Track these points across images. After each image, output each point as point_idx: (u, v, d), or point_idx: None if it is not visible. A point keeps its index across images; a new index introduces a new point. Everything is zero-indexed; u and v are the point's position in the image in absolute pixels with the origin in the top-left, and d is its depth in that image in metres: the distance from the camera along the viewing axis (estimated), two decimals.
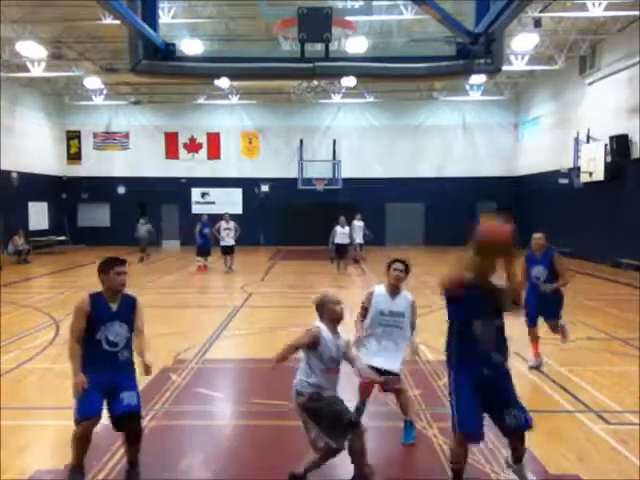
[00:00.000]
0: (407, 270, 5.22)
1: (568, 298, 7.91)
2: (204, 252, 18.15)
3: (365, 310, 5.15)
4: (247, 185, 27.59)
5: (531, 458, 4.74)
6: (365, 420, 5.73)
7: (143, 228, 21.27)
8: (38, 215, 25.05)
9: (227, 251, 17.49)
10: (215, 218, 27.18)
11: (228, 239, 17.49)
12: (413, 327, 5.23)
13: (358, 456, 4.15)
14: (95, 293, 4.47)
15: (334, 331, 4.17)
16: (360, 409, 5.28)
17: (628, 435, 5.13)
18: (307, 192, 26.03)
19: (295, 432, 5.37)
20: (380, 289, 5.15)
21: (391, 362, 5.02)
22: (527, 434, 4.08)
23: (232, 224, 17.79)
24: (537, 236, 7.18)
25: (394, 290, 5.16)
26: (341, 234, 16.29)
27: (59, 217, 26.71)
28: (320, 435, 4.08)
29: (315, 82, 23.14)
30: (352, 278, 16.41)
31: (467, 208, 26.28)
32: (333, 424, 4.06)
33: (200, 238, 18.22)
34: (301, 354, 4.29)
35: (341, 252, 16.47)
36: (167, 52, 4.55)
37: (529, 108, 25.58)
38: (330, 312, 4.15)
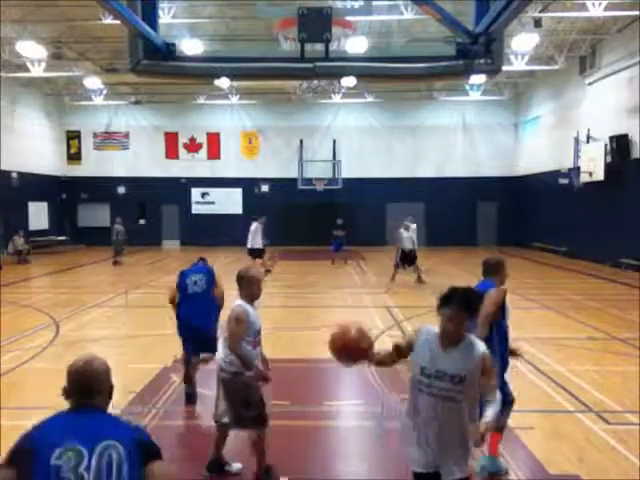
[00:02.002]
0: (471, 308, 3.03)
1: (569, 298, 7.89)
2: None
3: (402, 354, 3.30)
4: (247, 185, 27.59)
5: (531, 458, 4.75)
6: (365, 420, 5.74)
7: (115, 230, 20.34)
8: (38, 215, 25.04)
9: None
10: (216, 218, 27.38)
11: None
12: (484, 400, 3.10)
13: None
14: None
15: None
16: None
17: (628, 435, 5.13)
18: (307, 192, 26.02)
19: (295, 432, 5.38)
20: (429, 331, 3.17)
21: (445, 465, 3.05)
22: (527, 434, 4.09)
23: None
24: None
25: (450, 338, 3.05)
26: (407, 238, 14.49)
27: (59, 217, 26.70)
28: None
29: (315, 82, 23.17)
30: (352, 278, 16.42)
31: (467, 208, 26.35)
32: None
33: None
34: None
35: (408, 258, 14.50)
36: (167, 52, 4.53)
37: (529, 108, 25.58)
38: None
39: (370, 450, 5.06)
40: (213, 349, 5.25)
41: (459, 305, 2.99)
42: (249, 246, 16.31)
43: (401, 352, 3.33)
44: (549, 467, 4.55)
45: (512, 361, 4.94)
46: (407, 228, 14.54)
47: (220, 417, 4.45)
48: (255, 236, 16.44)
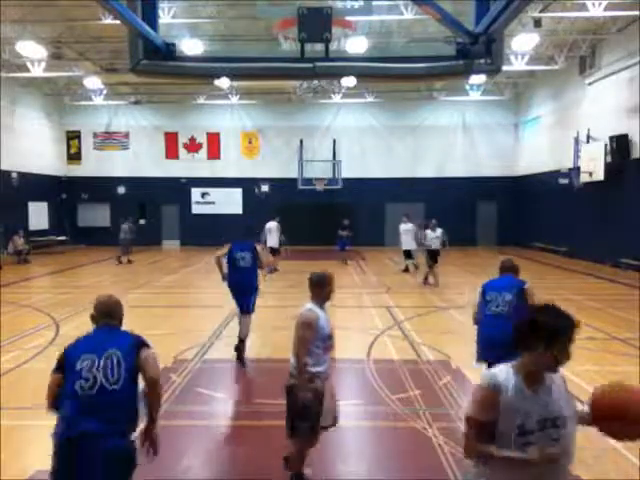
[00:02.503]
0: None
1: (569, 298, 7.90)
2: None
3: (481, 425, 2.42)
4: (247, 185, 27.58)
5: None
6: (365, 420, 5.74)
7: (125, 229, 20.56)
8: (38, 215, 25.03)
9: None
10: (216, 218, 27.38)
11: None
12: None
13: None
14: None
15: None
16: None
17: None
18: (307, 192, 26.01)
19: None
20: (506, 372, 2.45)
21: None
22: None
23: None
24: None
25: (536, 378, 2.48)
26: (433, 238, 14.67)
27: (59, 217, 26.69)
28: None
29: (315, 82, 23.17)
30: (352, 278, 16.42)
31: (467, 208, 26.34)
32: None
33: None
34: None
35: (434, 258, 14.62)
36: (167, 52, 4.53)
37: (529, 108, 25.58)
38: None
39: (370, 450, 5.06)
40: (250, 309, 7.80)
41: (547, 344, 2.36)
42: (267, 245, 16.84)
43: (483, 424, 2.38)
44: None
45: None
46: (434, 228, 14.84)
47: (322, 420, 4.26)
48: (272, 235, 17.25)
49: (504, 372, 2.44)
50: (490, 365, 5.06)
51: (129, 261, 20.37)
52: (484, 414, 2.37)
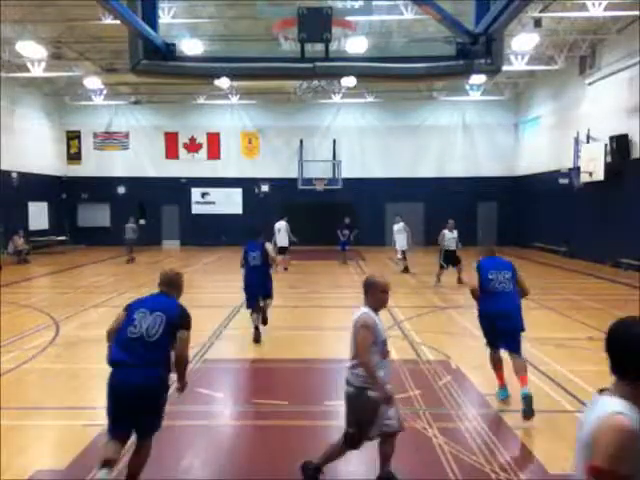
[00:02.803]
0: None
1: (569, 298, 7.89)
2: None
3: None
4: (247, 185, 27.58)
5: (531, 458, 4.75)
6: None
7: (130, 228, 21.01)
8: (38, 215, 25.03)
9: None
10: (216, 218, 27.38)
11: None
12: None
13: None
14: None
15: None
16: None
17: None
18: (307, 192, 26.01)
19: (295, 432, 5.38)
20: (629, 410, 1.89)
21: None
22: (527, 434, 4.11)
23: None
24: None
25: None
26: (451, 239, 14.57)
27: (59, 217, 26.69)
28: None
29: (315, 82, 23.16)
30: (352, 278, 16.42)
31: (467, 208, 26.33)
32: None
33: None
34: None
35: (451, 259, 14.47)
36: (167, 52, 4.53)
37: (529, 108, 25.58)
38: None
39: (370, 450, 5.06)
40: (268, 294, 9.04)
41: None
42: (277, 244, 17.09)
43: None
44: (549, 467, 4.55)
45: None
46: (451, 228, 14.75)
47: (382, 427, 4.15)
48: (282, 235, 17.62)
49: (627, 409, 1.89)
50: (496, 344, 6.03)
51: (130, 260, 20.54)
52: (629, 467, 1.83)
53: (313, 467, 4.30)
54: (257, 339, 8.66)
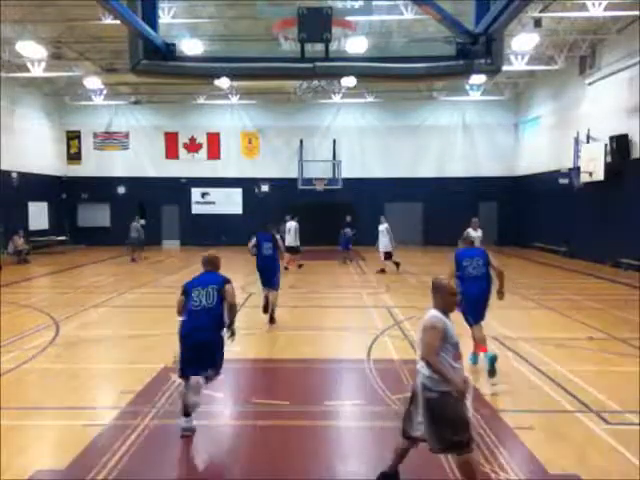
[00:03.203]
0: None
1: (569, 298, 7.88)
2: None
3: None
4: (247, 185, 27.58)
5: (531, 458, 4.75)
6: (365, 420, 5.74)
7: (134, 228, 21.40)
8: (38, 215, 25.02)
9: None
10: (216, 218, 27.39)
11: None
12: None
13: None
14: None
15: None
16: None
17: (628, 435, 5.13)
18: (307, 192, 26.01)
19: (295, 432, 5.38)
20: None
21: None
22: (527, 434, 4.10)
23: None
24: None
25: None
26: (475, 238, 13.72)
27: (59, 217, 26.69)
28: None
29: (315, 82, 23.15)
30: (352, 278, 16.42)
31: (467, 208, 26.28)
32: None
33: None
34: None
35: None
36: (167, 52, 4.53)
37: (529, 108, 25.57)
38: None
39: (370, 450, 5.07)
40: (275, 286, 10.20)
41: None
42: (287, 244, 17.18)
43: None
44: (549, 467, 4.55)
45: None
46: (475, 227, 14.60)
47: (414, 430, 4.14)
48: (292, 234, 18.10)
49: None
50: (468, 321, 7.08)
51: (133, 259, 20.68)
52: None
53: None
54: (266, 309, 10.09)
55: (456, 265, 7.04)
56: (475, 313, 7.01)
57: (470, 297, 6.75)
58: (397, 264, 17.28)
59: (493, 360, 6.75)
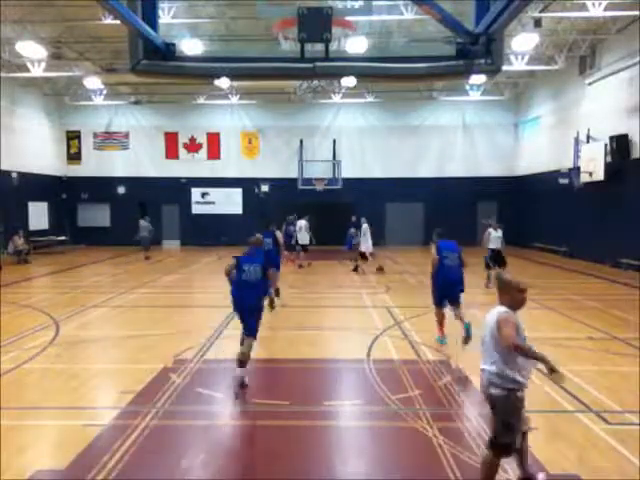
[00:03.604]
0: None
1: (569, 298, 7.88)
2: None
3: None
4: (247, 185, 27.58)
5: (531, 458, 4.74)
6: (365, 420, 5.75)
7: (145, 227, 21.91)
8: (38, 215, 25.03)
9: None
10: (216, 218, 27.39)
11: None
12: None
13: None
14: None
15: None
16: None
17: (628, 435, 5.13)
18: (307, 192, 26.01)
19: (295, 432, 5.38)
20: None
21: None
22: (527, 433, 4.11)
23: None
24: None
25: None
26: (496, 238, 14.19)
27: (59, 217, 26.69)
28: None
29: (315, 82, 23.15)
30: (352, 278, 16.42)
31: (467, 208, 26.34)
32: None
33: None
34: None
35: (499, 258, 13.89)
36: (167, 52, 4.53)
37: (529, 108, 25.57)
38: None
39: (370, 450, 5.07)
40: (277, 267, 11.54)
41: None
42: (300, 242, 18.26)
43: None
44: (549, 467, 4.55)
45: None
46: (496, 227, 14.48)
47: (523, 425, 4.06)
48: (302, 233, 18.60)
49: None
50: (443, 303, 8.43)
51: (147, 258, 21.13)
52: None
53: None
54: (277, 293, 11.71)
55: (438, 255, 8.33)
56: (454, 295, 8.26)
57: (449, 282, 8.22)
58: (358, 263, 17.44)
59: (470, 327, 7.82)
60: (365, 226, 17.62)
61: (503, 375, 3.90)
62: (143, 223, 21.97)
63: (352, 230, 19.42)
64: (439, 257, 8.29)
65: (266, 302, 7.33)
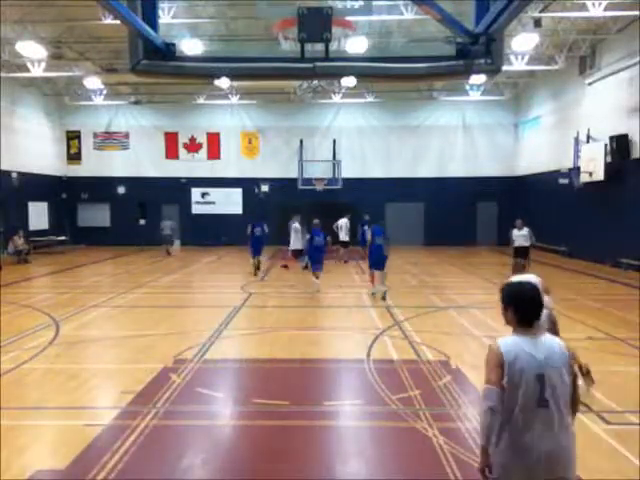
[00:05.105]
0: None
1: (569, 298, 7.86)
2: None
3: None
4: (247, 185, 27.57)
5: None
6: (365, 420, 5.74)
7: (168, 226, 23.95)
8: (38, 215, 25.02)
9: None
10: (216, 218, 27.38)
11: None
12: None
13: None
14: None
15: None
16: None
17: (628, 435, 5.13)
18: (307, 192, 26.01)
19: (294, 432, 5.38)
20: None
21: None
22: None
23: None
24: None
25: None
26: (518, 236, 15.09)
27: (59, 217, 26.68)
28: None
29: (315, 82, 23.15)
30: (352, 278, 16.42)
31: (467, 208, 26.34)
32: None
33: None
34: None
35: (522, 255, 13.86)
36: (167, 52, 4.53)
37: (529, 108, 25.57)
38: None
39: (370, 450, 5.06)
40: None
41: None
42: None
43: None
44: None
45: None
46: (520, 227, 15.35)
47: None
48: (343, 231, 19.58)
49: None
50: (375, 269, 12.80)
51: (169, 253, 22.76)
52: None
53: None
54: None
55: (372, 237, 12.68)
56: (381, 264, 12.52)
57: (379, 256, 12.46)
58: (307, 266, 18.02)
59: (385, 292, 12.18)
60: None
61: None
62: (167, 223, 23.81)
63: (365, 228, 19.52)
64: (372, 238, 12.56)
65: (304, 263, 12.75)
